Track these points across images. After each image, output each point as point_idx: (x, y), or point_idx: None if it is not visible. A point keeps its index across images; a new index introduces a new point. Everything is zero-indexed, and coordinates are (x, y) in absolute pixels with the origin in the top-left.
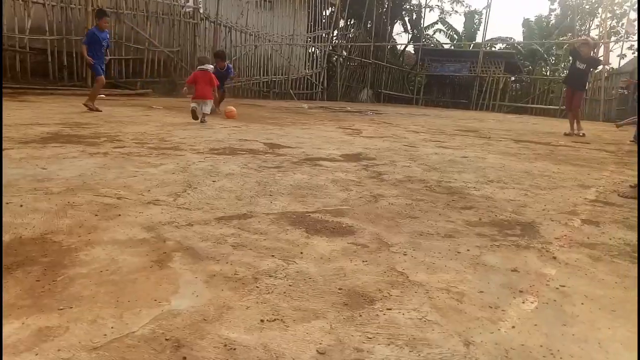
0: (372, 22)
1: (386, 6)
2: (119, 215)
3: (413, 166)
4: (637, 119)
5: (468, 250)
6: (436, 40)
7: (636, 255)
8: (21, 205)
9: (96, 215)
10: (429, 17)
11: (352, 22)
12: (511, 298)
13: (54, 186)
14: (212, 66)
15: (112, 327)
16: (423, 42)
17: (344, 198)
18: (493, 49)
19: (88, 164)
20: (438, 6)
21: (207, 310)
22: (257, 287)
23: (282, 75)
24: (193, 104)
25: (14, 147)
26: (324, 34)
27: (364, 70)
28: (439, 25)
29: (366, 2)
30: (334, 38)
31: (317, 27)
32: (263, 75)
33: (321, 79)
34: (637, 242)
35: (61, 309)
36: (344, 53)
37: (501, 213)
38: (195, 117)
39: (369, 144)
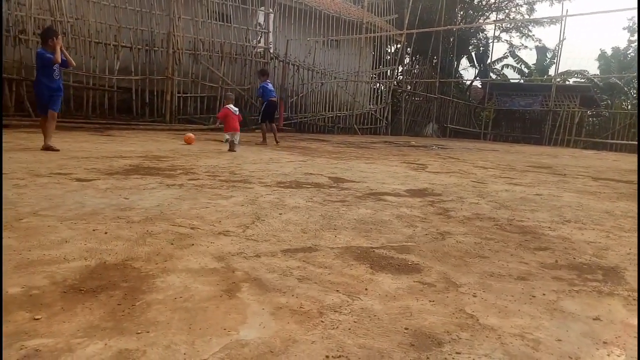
0: (437, 57)
1: (452, 42)
2: (193, 244)
3: (482, 203)
4: None
5: (544, 294)
6: (504, 74)
7: None
8: (105, 233)
9: (172, 244)
10: (497, 51)
11: (417, 58)
12: (594, 349)
13: (135, 215)
14: (236, 107)
15: (184, 354)
16: (491, 76)
17: (409, 234)
18: (567, 82)
19: (165, 195)
20: (507, 41)
21: (273, 343)
22: (322, 321)
23: (346, 110)
24: (227, 136)
25: (100, 177)
26: (388, 71)
27: (429, 104)
28: (509, 60)
29: (432, 39)
30: (399, 74)
31: (382, 64)
32: (328, 111)
33: (385, 114)
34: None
35: (139, 333)
36: (409, 88)
37: (580, 256)
38: (232, 147)
39: (434, 180)
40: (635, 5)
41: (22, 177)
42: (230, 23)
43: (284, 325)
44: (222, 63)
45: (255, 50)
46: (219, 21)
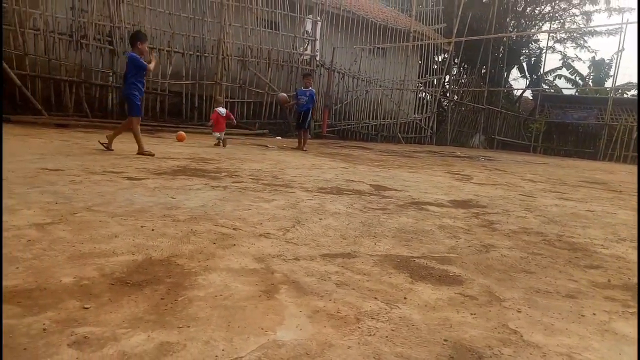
0: (486, 67)
1: (502, 51)
2: (234, 245)
3: (529, 217)
4: None
5: (594, 314)
6: (557, 85)
7: None
8: (152, 230)
9: (214, 243)
10: (550, 62)
11: (465, 68)
12: None
13: (180, 214)
14: (224, 109)
15: (222, 350)
16: (543, 87)
17: (451, 245)
18: (625, 95)
19: (210, 196)
20: (561, 52)
21: (309, 345)
22: (359, 327)
23: (391, 119)
24: (217, 135)
25: (149, 177)
26: (435, 80)
27: (477, 115)
28: (562, 72)
29: (481, 48)
30: (446, 83)
31: (428, 73)
32: (372, 119)
33: (430, 124)
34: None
35: (180, 327)
36: (456, 97)
37: (635, 276)
38: (224, 144)
39: (480, 191)
40: None
41: (78, 174)
42: (279, 30)
43: (320, 328)
44: (269, 69)
45: (302, 57)
46: (268, 29)
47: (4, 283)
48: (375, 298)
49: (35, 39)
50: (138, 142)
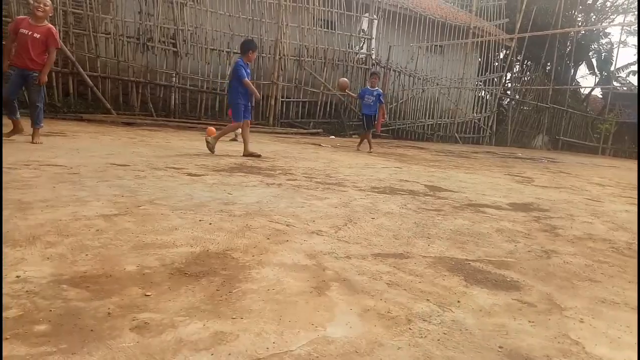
0: (551, 64)
1: (569, 47)
2: (287, 240)
3: (596, 223)
4: None
5: None
6: (631, 83)
7: None
8: (210, 224)
9: (268, 238)
10: (623, 57)
11: (528, 65)
12: None
13: (236, 209)
14: None
15: (273, 342)
16: (614, 85)
17: (509, 250)
18: None
19: (265, 193)
20: (635, 46)
21: (359, 343)
22: (410, 328)
23: (447, 118)
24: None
25: (208, 173)
26: (495, 78)
27: (540, 115)
28: (636, 68)
29: (546, 44)
30: (507, 81)
31: (488, 71)
32: (428, 118)
33: (490, 123)
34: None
35: (234, 318)
36: (517, 97)
37: None
38: (234, 139)
39: (541, 194)
40: None
41: (143, 169)
42: (335, 30)
43: (370, 327)
44: (324, 69)
45: (358, 56)
46: (324, 28)
47: (75, 268)
48: (428, 300)
49: (106, 42)
50: (245, 143)
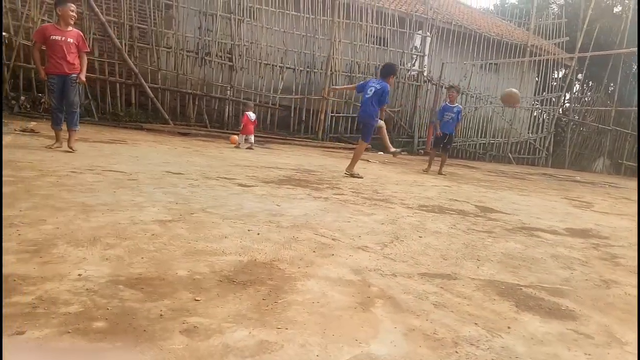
0: (615, 84)
1: (635, 67)
2: (332, 254)
3: None
4: None
5: None
6: None
7: None
8: (258, 234)
9: (314, 251)
10: None
11: (589, 85)
12: None
13: (284, 221)
14: (254, 114)
15: (317, 355)
16: None
17: (565, 277)
18: None
19: (311, 206)
20: None
21: None
22: (457, 352)
23: (501, 137)
24: (244, 137)
25: (257, 184)
26: (553, 97)
27: (601, 137)
28: None
29: (609, 63)
30: (566, 101)
31: (546, 90)
32: (480, 137)
33: (546, 144)
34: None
35: (279, 328)
36: (577, 117)
37: None
38: (250, 147)
39: (601, 221)
40: None
41: (196, 178)
42: (387, 46)
43: (415, 347)
44: None
45: (409, 73)
46: (376, 45)
47: (131, 270)
48: (476, 324)
49: (167, 56)
50: (353, 162)
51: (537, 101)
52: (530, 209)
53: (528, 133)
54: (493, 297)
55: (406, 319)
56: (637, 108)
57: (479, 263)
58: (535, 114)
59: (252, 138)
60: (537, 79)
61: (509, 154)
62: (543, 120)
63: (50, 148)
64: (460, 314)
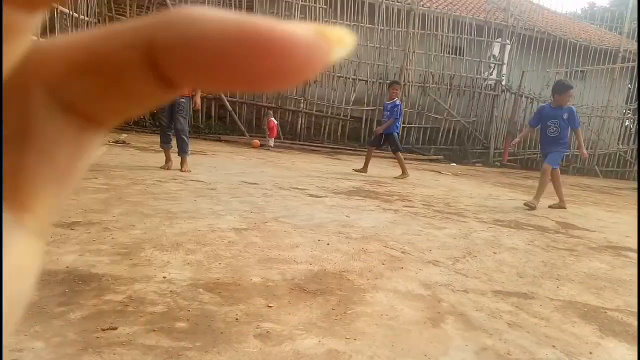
0: None
1: None
2: (402, 267)
3: None
4: None
5: None
6: None
7: None
8: (328, 244)
9: (383, 264)
10: None
11: None
12: None
13: (353, 232)
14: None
15: None
16: None
17: None
18: None
19: (381, 218)
20: None
21: None
22: None
23: (586, 149)
24: (272, 141)
25: (327, 195)
26: None
27: None
28: None
29: None
30: None
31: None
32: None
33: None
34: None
35: (348, 338)
36: None
37: None
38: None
39: None
40: None
41: (270, 188)
42: (463, 56)
43: None
44: (449, 95)
45: (486, 82)
46: (452, 54)
47: (210, 275)
48: (554, 347)
49: None
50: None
51: (629, 110)
52: (618, 226)
53: (618, 144)
54: (574, 320)
55: (478, 337)
56: (637, 105)
57: (559, 283)
58: (627, 123)
59: (272, 141)
60: (629, 86)
61: (596, 167)
62: (635, 130)
63: (163, 168)
64: (537, 336)
